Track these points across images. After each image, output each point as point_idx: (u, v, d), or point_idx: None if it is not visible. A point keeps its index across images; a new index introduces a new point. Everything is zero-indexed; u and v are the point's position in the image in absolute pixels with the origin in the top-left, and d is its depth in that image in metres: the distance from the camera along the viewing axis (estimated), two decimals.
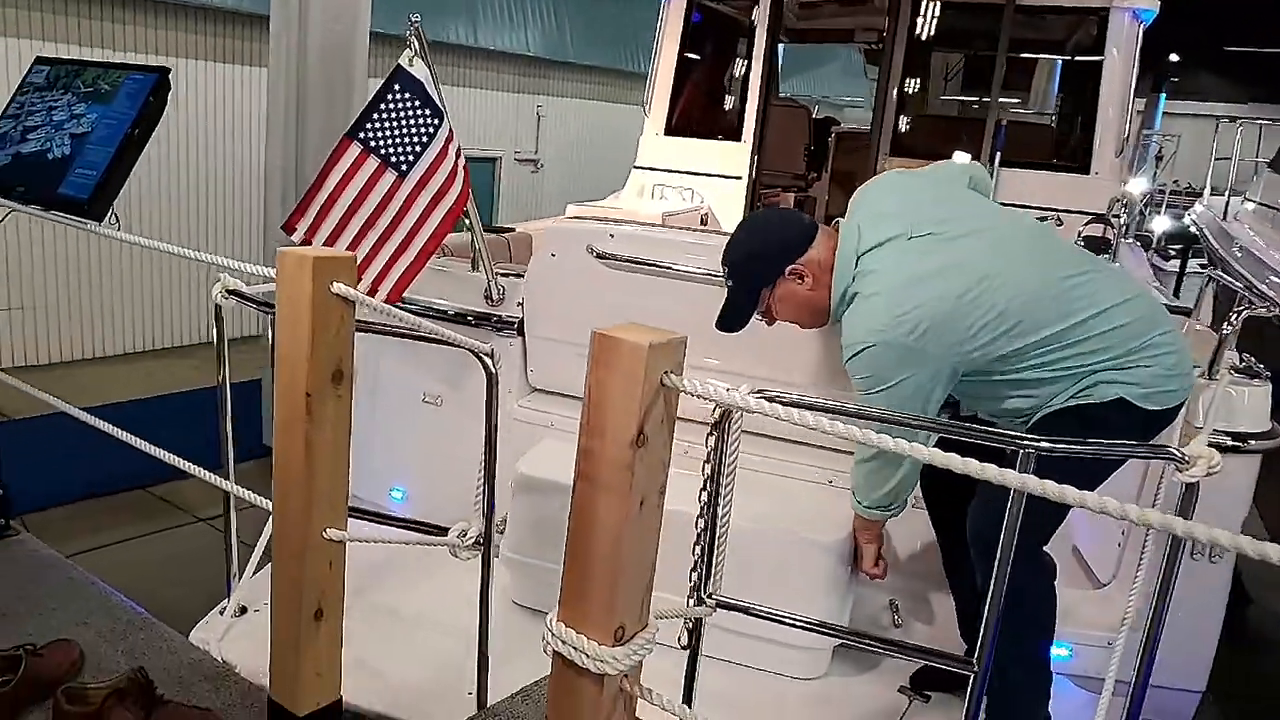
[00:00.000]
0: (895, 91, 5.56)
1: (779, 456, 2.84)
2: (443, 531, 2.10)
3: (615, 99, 13.28)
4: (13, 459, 2.82)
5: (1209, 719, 2.88)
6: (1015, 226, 2.38)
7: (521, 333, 3.07)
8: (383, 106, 2.49)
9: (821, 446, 2.85)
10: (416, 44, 2.60)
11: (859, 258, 2.25)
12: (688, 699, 2.00)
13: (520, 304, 3.03)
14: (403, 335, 1.84)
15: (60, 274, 7.26)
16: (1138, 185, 12.40)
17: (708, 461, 1.89)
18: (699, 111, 6.18)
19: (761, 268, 2.33)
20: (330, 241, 2.49)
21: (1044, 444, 1.73)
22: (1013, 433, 1.86)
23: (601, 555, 1.38)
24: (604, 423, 1.35)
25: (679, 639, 2.02)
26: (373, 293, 2.52)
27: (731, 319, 2.39)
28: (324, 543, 1.81)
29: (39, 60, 2.50)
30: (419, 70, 2.54)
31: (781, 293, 2.34)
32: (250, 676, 2.20)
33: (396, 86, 2.51)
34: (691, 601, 1.95)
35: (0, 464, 2.73)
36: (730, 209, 5.68)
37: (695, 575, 1.93)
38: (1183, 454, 1.67)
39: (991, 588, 1.79)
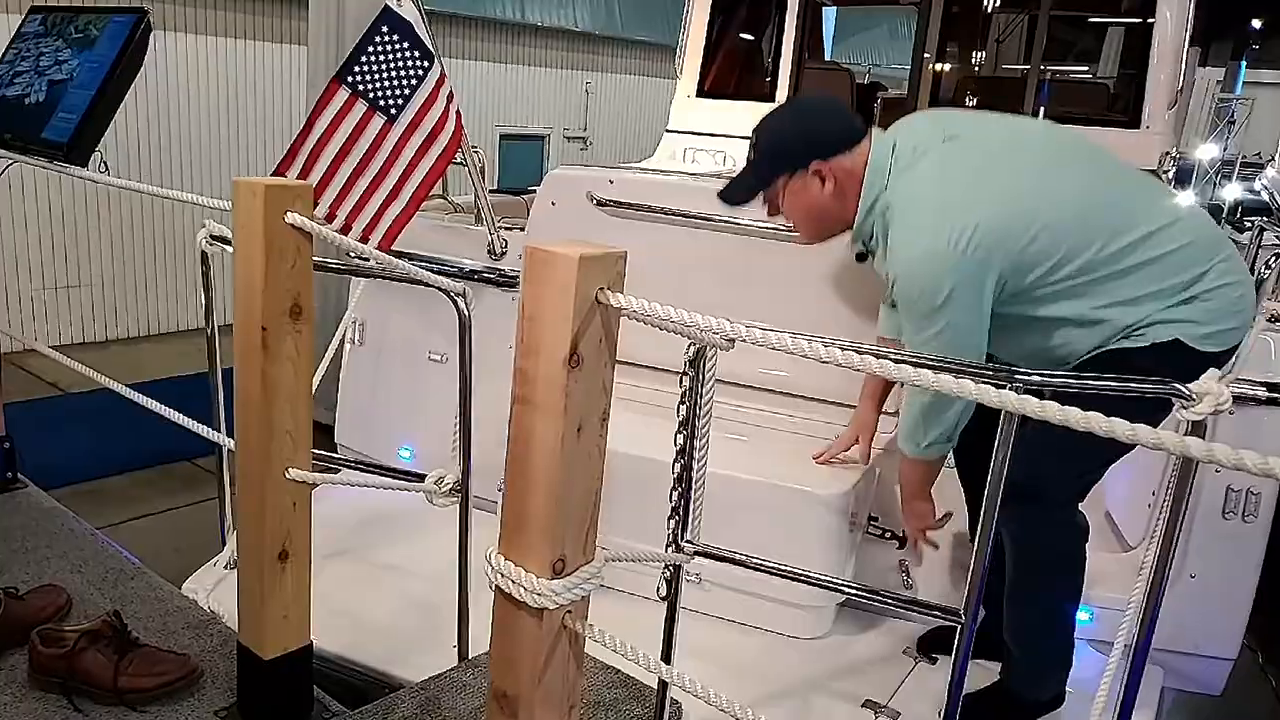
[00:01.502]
0: (935, 51, 5.36)
1: (784, 411, 2.75)
2: (420, 479, 2.05)
3: (665, 74, 13.12)
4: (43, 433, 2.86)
5: (1246, 688, 2.71)
6: (1060, 135, 2.21)
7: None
8: (370, 49, 2.44)
9: (829, 401, 2.74)
10: None
11: (892, 169, 2.10)
12: (666, 652, 1.92)
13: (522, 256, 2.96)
14: (365, 275, 1.79)
15: (111, 251, 7.44)
16: (1208, 151, 11.91)
17: (683, 402, 1.81)
18: (733, 73, 6.02)
19: (786, 153, 2.17)
20: (320, 189, 2.45)
21: (1035, 377, 1.61)
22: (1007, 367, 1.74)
23: (538, 481, 1.31)
24: (538, 341, 1.27)
25: (657, 589, 1.94)
26: (363, 241, 2.47)
27: (735, 190, 2.24)
28: (287, 483, 1.77)
29: (33, 9, 2.50)
30: (408, 11, 2.48)
31: (796, 187, 2.17)
32: (233, 624, 2.18)
33: (384, 28, 2.45)
34: (669, 549, 1.87)
35: (7, 420, 2.76)
36: None
37: (671, 521, 1.85)
38: (1188, 390, 1.53)
39: (978, 535, 1.68)
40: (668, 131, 5.86)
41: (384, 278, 1.79)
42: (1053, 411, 1.07)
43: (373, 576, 2.63)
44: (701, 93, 5.75)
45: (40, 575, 2.31)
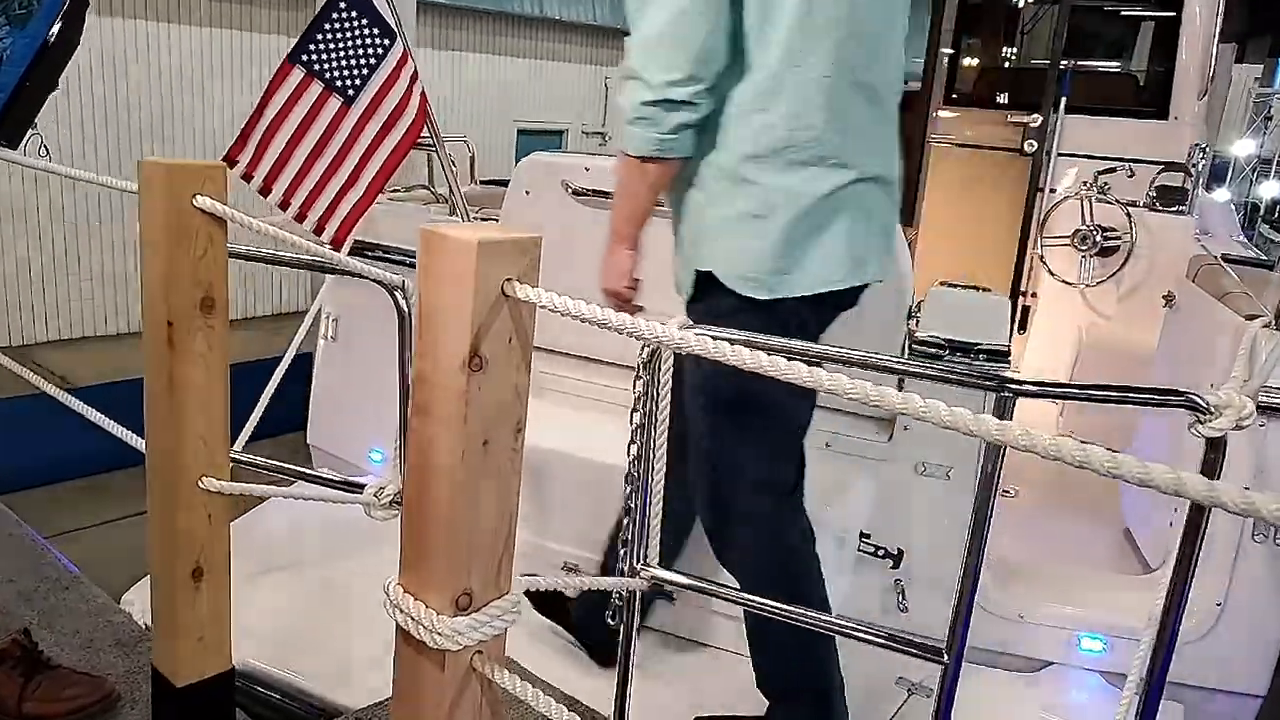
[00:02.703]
0: (951, 43, 5.14)
1: None
2: (359, 489, 1.88)
3: None
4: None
5: None
6: None
7: None
8: (326, 27, 2.27)
9: (825, 407, 2.54)
10: None
11: None
12: (622, 685, 1.74)
13: None
14: (288, 265, 1.63)
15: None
16: (1245, 148, 11.54)
17: (635, 410, 1.63)
18: None
19: None
20: (272, 177, 2.29)
21: (1030, 387, 1.42)
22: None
23: (437, 504, 1.13)
24: (434, 341, 1.09)
25: (610, 615, 1.76)
26: (319, 231, 2.31)
27: None
28: (200, 493, 1.61)
29: None
30: None
31: None
32: None
33: (342, 4, 2.29)
34: (621, 573, 1.69)
35: None
36: None
37: (623, 543, 1.67)
38: (1204, 401, 1.33)
39: (961, 572, 1.49)
40: None
41: (309, 269, 1.63)
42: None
43: (322, 593, 2.46)
44: None
45: None
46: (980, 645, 2.40)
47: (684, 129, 1.73)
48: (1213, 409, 1.33)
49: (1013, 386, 1.39)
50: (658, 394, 1.61)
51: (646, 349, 1.59)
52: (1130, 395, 1.42)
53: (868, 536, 2.39)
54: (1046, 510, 3.23)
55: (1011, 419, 1.41)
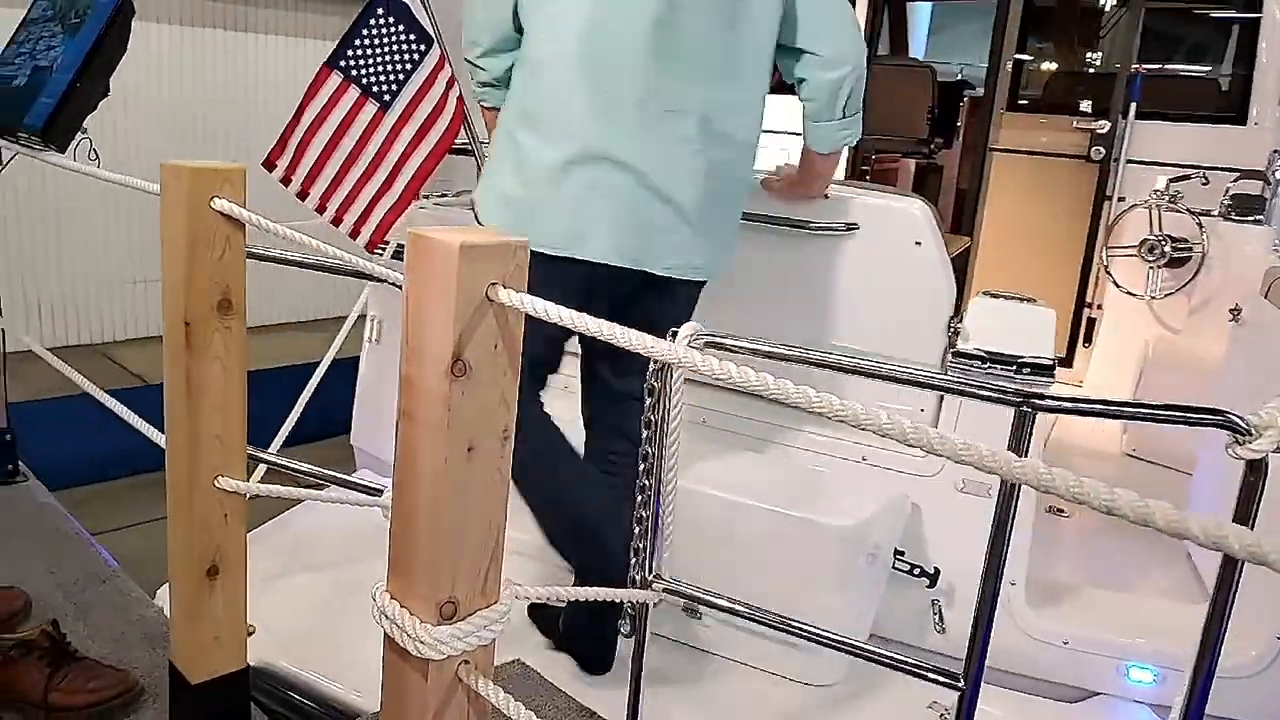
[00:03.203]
0: (1015, 46, 5.00)
1: (806, 429, 2.49)
2: (378, 492, 1.89)
3: None
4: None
5: None
6: None
7: None
8: (364, 32, 2.30)
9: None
10: None
11: None
12: (634, 696, 1.71)
13: None
14: (303, 266, 1.64)
15: None
16: None
17: (647, 415, 1.60)
18: None
19: None
20: (309, 180, 2.32)
21: (1054, 403, 1.35)
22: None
23: (421, 511, 1.12)
24: (420, 345, 1.08)
25: (619, 624, 1.74)
26: (354, 235, 2.33)
27: None
28: (216, 492, 1.62)
29: None
30: None
31: None
32: None
33: (379, 11, 2.31)
34: (633, 585, 1.67)
35: (9, 412, 2.72)
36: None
37: (636, 554, 1.64)
38: (1243, 421, 1.24)
39: (979, 595, 1.43)
40: None
41: (321, 270, 1.64)
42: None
43: (347, 596, 2.47)
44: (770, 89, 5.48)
45: (10, 574, 2.23)
46: (1021, 672, 2.30)
47: (482, 86, 2.18)
48: (1252, 429, 1.24)
49: (1034, 402, 1.32)
50: (669, 401, 1.58)
51: (654, 364, 1.56)
52: (1162, 414, 1.34)
53: (902, 554, 2.31)
54: (1103, 532, 3.09)
55: (1032, 434, 1.35)
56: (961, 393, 1.39)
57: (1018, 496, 1.36)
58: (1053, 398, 1.37)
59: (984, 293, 2.39)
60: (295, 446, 2.77)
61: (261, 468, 2.23)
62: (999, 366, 2.26)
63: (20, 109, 2.18)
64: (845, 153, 5.49)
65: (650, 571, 1.66)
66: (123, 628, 2.07)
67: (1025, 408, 1.33)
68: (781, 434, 2.50)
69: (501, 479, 1.15)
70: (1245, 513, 1.35)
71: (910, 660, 1.51)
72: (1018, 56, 5.09)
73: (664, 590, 1.67)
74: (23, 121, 2.16)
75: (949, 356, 2.32)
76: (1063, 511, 3.21)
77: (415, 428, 1.10)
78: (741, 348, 1.55)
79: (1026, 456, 1.35)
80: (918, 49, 7.42)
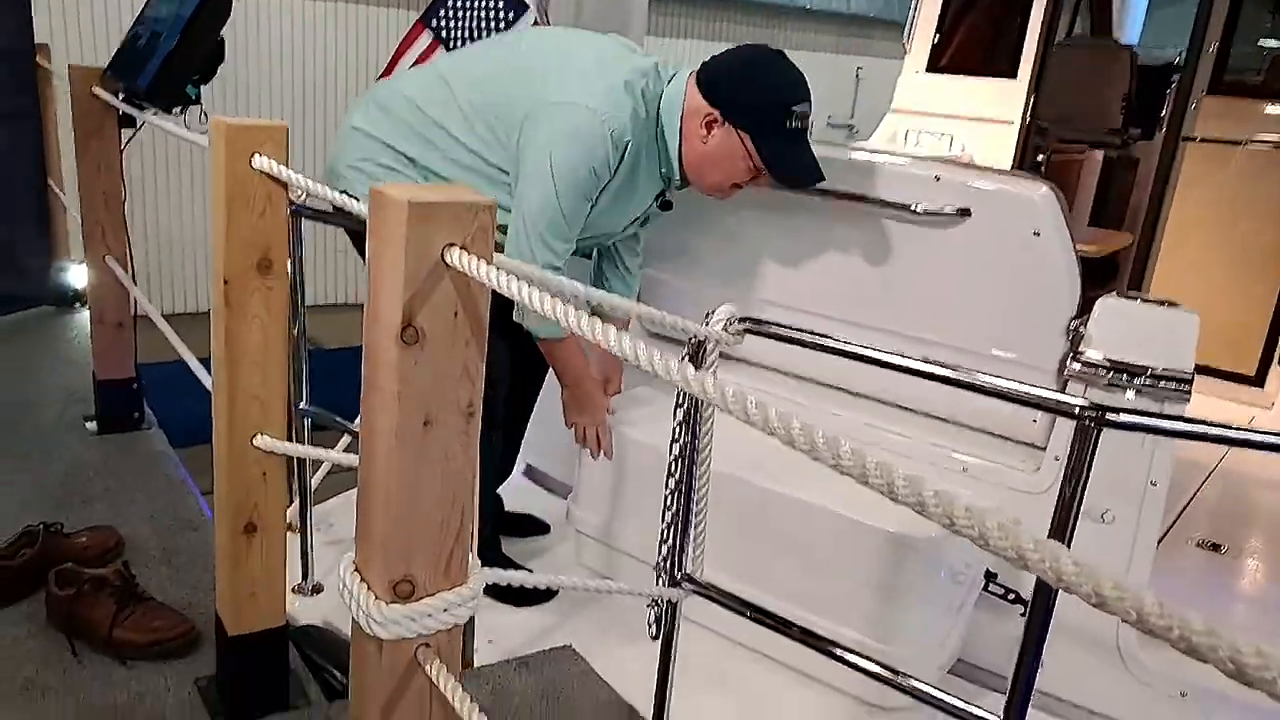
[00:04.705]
0: (1224, 15, 4.47)
1: (887, 424, 2.30)
2: None
3: None
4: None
5: None
6: None
7: None
8: None
9: (969, 427, 2.26)
10: None
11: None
12: (661, 687, 1.62)
13: None
14: (351, 228, 1.62)
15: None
16: None
17: (678, 406, 1.50)
18: (974, 46, 5.34)
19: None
20: None
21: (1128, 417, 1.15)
22: None
23: (377, 484, 1.06)
24: (376, 308, 1.02)
25: (648, 625, 1.64)
26: None
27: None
28: (254, 451, 1.64)
29: None
30: None
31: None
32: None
33: None
34: (663, 581, 1.57)
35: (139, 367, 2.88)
36: (998, 159, 4.89)
37: (664, 548, 1.55)
38: None
39: (1024, 631, 1.24)
40: (891, 112, 5.34)
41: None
42: None
43: None
44: (935, 68, 5.17)
45: (115, 515, 2.37)
46: None
47: None
48: None
49: (1098, 416, 1.13)
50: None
51: (693, 341, 1.46)
52: (1257, 439, 1.11)
53: (994, 576, 2.09)
54: (1264, 575, 2.72)
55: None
56: (1013, 398, 1.20)
57: (1078, 507, 1.17)
58: (1127, 411, 1.17)
59: (1116, 293, 2.13)
60: None
61: (345, 438, 2.26)
62: (1125, 377, 2.00)
63: (136, 70, 2.29)
64: (1015, 139, 5.11)
65: (679, 569, 1.56)
66: (200, 576, 2.15)
67: (1088, 422, 1.13)
68: (874, 435, 2.32)
69: (466, 457, 1.08)
70: None
71: (947, 693, 1.34)
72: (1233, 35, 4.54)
73: (693, 590, 1.56)
74: (135, 84, 2.27)
75: (1068, 363, 2.08)
76: (1219, 547, 2.85)
77: (372, 396, 1.05)
78: (780, 333, 1.42)
79: (1087, 475, 1.16)
80: (1132, 29, 6.76)
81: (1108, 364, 2.00)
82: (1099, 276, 3.88)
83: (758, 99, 2.06)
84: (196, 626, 1.93)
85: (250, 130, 1.51)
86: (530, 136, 2.02)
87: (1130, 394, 2.01)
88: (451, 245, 0.98)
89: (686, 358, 1.46)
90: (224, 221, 1.53)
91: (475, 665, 1.97)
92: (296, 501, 2.26)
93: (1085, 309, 2.12)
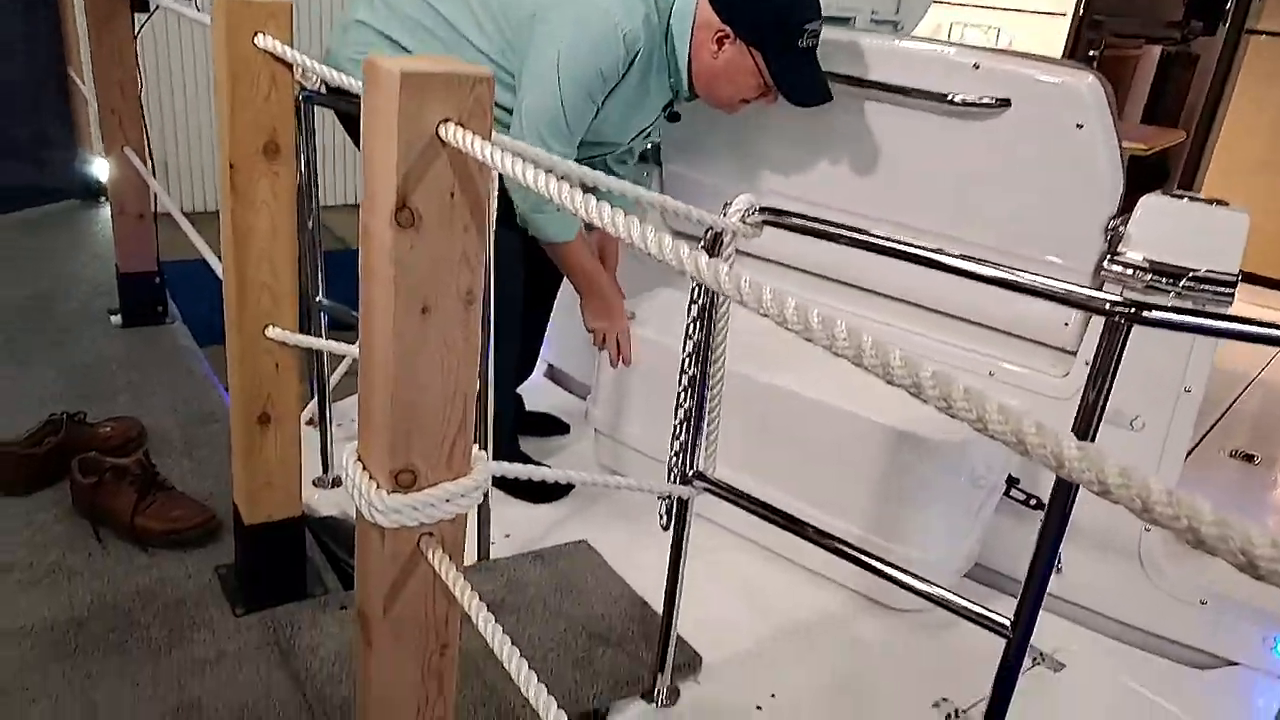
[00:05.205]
0: None
1: (930, 335, 2.24)
2: None
3: None
4: None
5: None
6: None
7: (658, 162, 2.67)
8: None
9: (996, 329, 2.19)
10: None
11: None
12: (672, 584, 1.62)
13: None
14: (354, 114, 1.56)
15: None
16: None
17: (693, 302, 1.45)
18: None
19: None
20: None
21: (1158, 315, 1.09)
22: None
23: (378, 373, 1.04)
24: (372, 188, 0.98)
25: (659, 518, 1.63)
26: None
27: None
28: (265, 341, 1.62)
29: None
30: None
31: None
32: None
33: None
34: (673, 479, 1.55)
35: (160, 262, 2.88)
36: (1047, 53, 4.67)
37: (676, 445, 1.52)
38: None
39: (1039, 535, 1.22)
40: (936, 3, 5.10)
41: None
42: None
43: None
44: None
45: (138, 407, 2.39)
46: (1148, 629, 2.03)
47: None
48: None
49: (1129, 313, 1.07)
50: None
51: (709, 233, 1.41)
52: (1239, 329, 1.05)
53: (1016, 482, 2.06)
54: None
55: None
56: (1037, 293, 1.14)
57: (1102, 408, 1.12)
58: (1159, 308, 1.11)
59: (1161, 191, 2.03)
60: None
61: None
62: (1163, 280, 1.92)
63: None
64: (1067, 32, 4.85)
65: (691, 466, 1.53)
66: (221, 467, 2.17)
67: (1118, 318, 1.08)
68: (898, 337, 2.26)
69: (467, 346, 1.05)
70: None
71: (951, 604, 1.32)
72: None
73: (704, 488, 1.54)
74: None
75: (1105, 264, 1.99)
76: (1253, 458, 2.79)
77: (370, 282, 1.01)
78: (801, 224, 1.36)
79: (1113, 377, 1.11)
80: None
81: (1147, 265, 1.92)
82: (1148, 177, 3.72)
83: (770, 17, 2.01)
84: (217, 516, 1.95)
85: (252, 7, 1.45)
86: (540, 33, 1.95)
87: (1170, 298, 1.93)
88: (447, 121, 0.93)
89: (702, 248, 1.41)
90: (228, 104, 1.48)
91: (491, 558, 1.98)
92: (316, 396, 2.27)
93: (1128, 209, 2.03)
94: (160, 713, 1.50)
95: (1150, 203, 1.96)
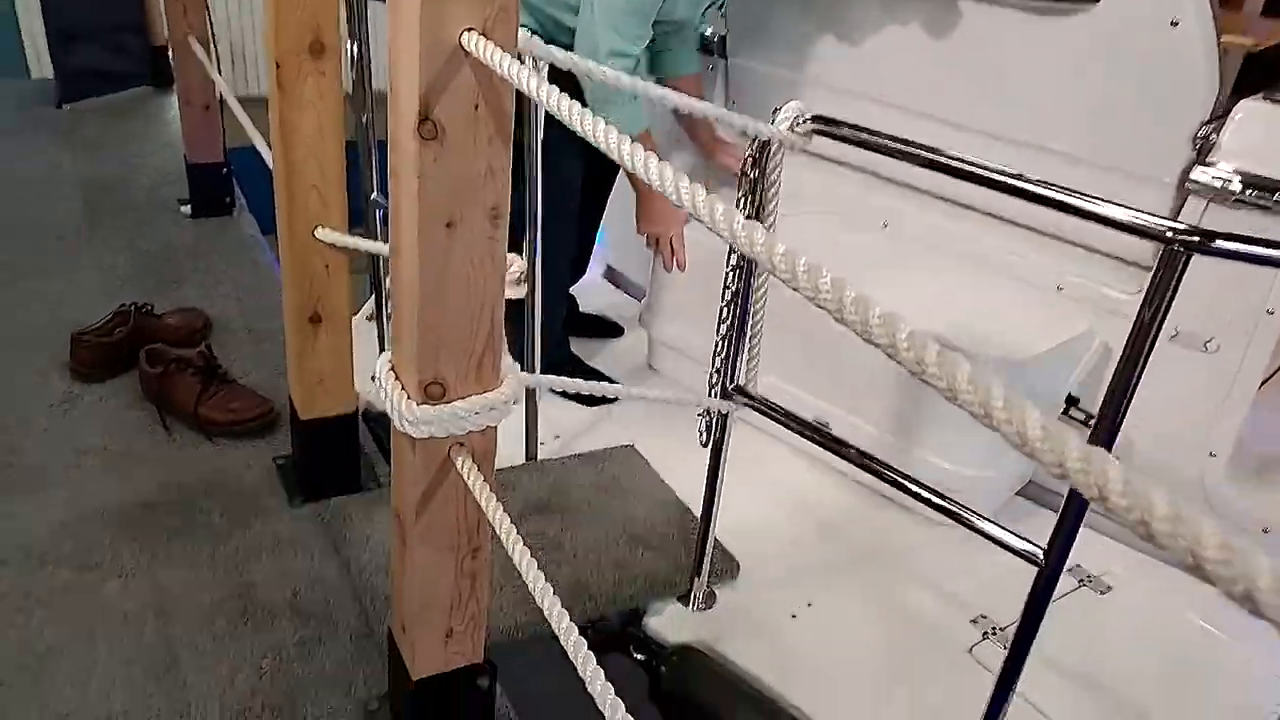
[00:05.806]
0: None
1: (985, 239, 2.16)
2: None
3: None
4: None
5: None
6: None
7: (724, 55, 2.57)
8: None
9: (1067, 240, 2.09)
10: None
11: None
12: (708, 506, 1.64)
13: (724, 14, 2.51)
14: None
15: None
16: None
17: (739, 209, 1.41)
18: None
19: None
20: None
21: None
22: None
23: (405, 285, 1.04)
24: (397, 99, 0.96)
25: (699, 435, 1.63)
26: None
27: None
28: (315, 243, 1.64)
29: None
30: None
31: None
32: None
33: None
34: (715, 393, 1.54)
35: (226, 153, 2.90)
36: None
37: (718, 360, 1.51)
38: None
39: (1091, 435, 1.17)
40: None
41: None
42: None
43: None
44: None
45: (204, 297, 2.46)
46: None
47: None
48: None
49: (1188, 239, 1.00)
50: (764, 193, 1.37)
51: (756, 141, 1.36)
52: None
53: (1076, 401, 2.00)
54: None
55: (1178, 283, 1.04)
56: (1085, 214, 1.08)
57: (1156, 333, 1.07)
58: (1233, 238, 1.04)
59: (1263, 96, 1.88)
60: None
61: None
62: (1258, 194, 1.80)
63: None
64: None
65: (731, 381, 1.52)
66: (281, 359, 2.23)
67: (1176, 246, 1.01)
68: (964, 248, 2.18)
69: (493, 260, 1.04)
70: None
71: (995, 523, 1.30)
72: None
73: (744, 403, 1.53)
74: None
75: (1191, 175, 1.87)
76: None
77: (397, 196, 1.01)
78: (853, 134, 1.30)
79: (1168, 306, 1.05)
80: None
81: (1238, 177, 1.80)
82: (1260, 75, 3.46)
83: None
84: (275, 409, 2.01)
85: None
86: None
87: (1258, 214, 1.81)
88: (470, 30, 0.90)
89: (749, 161, 1.36)
90: (273, 1, 1.46)
91: (540, 459, 2.02)
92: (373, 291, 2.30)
93: (1224, 115, 1.89)
94: (220, 595, 1.59)
95: (1249, 107, 1.83)
